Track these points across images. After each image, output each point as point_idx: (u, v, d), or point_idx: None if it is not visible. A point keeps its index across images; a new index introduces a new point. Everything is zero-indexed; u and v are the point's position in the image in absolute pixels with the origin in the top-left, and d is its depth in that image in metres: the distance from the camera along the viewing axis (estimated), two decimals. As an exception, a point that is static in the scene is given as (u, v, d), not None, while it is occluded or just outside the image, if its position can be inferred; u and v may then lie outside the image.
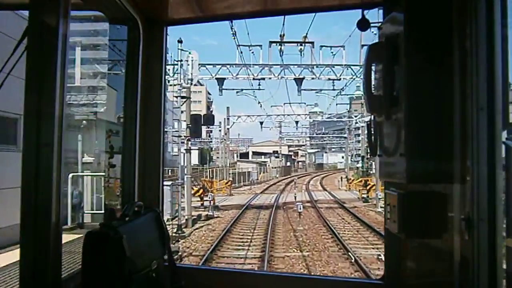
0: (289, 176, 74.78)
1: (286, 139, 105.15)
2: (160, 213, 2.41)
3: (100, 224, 2.00)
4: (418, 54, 2.05)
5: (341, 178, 52.56)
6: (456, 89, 1.91)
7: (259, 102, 39.05)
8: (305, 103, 52.38)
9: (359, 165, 52.40)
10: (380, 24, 2.44)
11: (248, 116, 51.69)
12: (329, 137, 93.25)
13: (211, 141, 77.95)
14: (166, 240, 2.37)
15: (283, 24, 24.87)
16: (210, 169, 52.43)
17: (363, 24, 2.59)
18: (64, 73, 2.03)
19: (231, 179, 46.16)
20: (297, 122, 53.30)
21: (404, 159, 2.04)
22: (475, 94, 1.73)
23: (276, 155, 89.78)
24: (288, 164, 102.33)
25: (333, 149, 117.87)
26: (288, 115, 50.60)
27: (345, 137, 65.13)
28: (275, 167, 79.25)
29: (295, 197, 28.80)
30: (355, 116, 49.75)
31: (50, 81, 1.99)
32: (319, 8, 2.89)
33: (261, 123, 51.64)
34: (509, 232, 1.74)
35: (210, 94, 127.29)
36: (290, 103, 51.47)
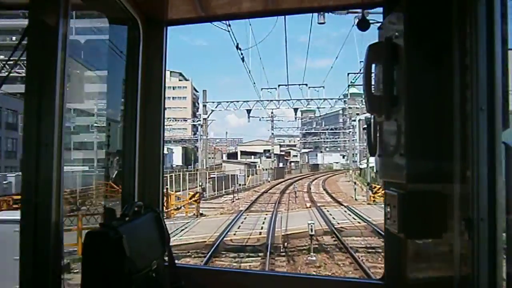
0: (282, 179, 62.92)
1: (277, 139, 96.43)
2: (160, 213, 2.41)
3: (100, 224, 2.00)
4: (418, 54, 2.05)
5: (355, 183, 39.84)
6: (456, 89, 1.91)
7: (238, 47, 24.19)
8: (306, 85, 38.86)
9: (365, 166, 45.98)
10: (380, 24, 2.44)
11: (231, 102, 39.91)
12: (325, 133, 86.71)
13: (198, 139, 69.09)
14: (166, 240, 2.37)
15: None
16: (184, 173, 39.50)
17: (363, 24, 2.59)
18: (64, 73, 2.03)
19: (199, 190, 32.03)
20: (296, 110, 40.90)
21: (404, 159, 2.04)
22: (475, 94, 1.73)
23: (267, 154, 77.46)
24: (281, 165, 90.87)
25: (327, 149, 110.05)
26: (284, 100, 38.48)
27: (361, 132, 55.95)
28: (266, 169, 66.21)
29: (311, 237, 15.03)
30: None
31: (50, 81, 1.99)
32: (319, 8, 2.90)
33: (249, 111, 39.63)
34: (509, 232, 1.75)
35: (197, 91, 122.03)
36: (287, 85, 37.63)
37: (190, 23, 3.12)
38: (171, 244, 2.40)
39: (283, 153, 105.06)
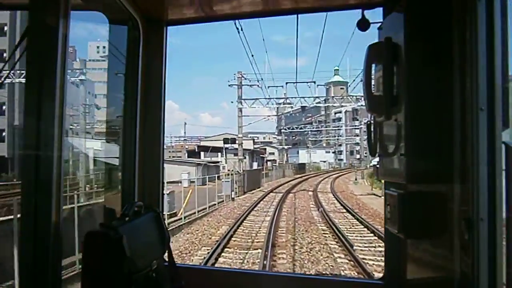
0: (259, 192, 36.30)
1: (251, 135, 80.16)
2: (160, 213, 2.41)
3: (100, 224, 2.00)
4: (418, 54, 2.05)
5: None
6: (456, 89, 1.91)
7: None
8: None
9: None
10: (380, 24, 2.44)
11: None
12: (311, 125, 73.58)
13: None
14: (166, 240, 2.37)
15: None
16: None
17: (363, 24, 2.59)
18: (64, 73, 2.03)
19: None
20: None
21: (404, 159, 2.04)
22: (475, 94, 1.73)
23: (232, 147, 49.69)
24: (256, 165, 63.62)
25: (310, 145, 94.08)
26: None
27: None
28: (231, 173, 36.17)
29: None
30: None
31: (50, 81, 1.99)
32: (319, 8, 2.90)
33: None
34: (509, 232, 1.75)
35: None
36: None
37: (190, 23, 3.12)
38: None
39: (257, 149, 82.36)
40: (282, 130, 76.09)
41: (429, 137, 2.03)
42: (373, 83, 2.35)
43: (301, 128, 74.93)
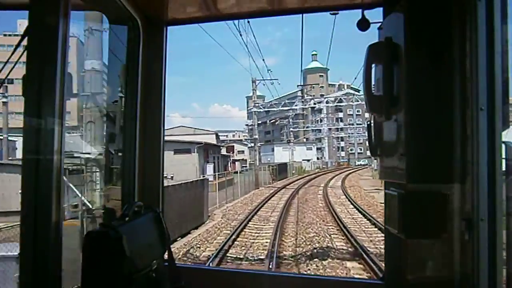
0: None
1: (221, 134, 64.58)
2: (160, 213, 2.41)
3: (100, 224, 2.00)
4: (418, 54, 2.05)
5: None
6: (456, 89, 1.91)
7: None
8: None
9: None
10: (380, 24, 2.44)
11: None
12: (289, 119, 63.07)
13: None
14: (166, 240, 2.37)
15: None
16: None
17: (363, 24, 2.59)
18: (64, 73, 2.03)
19: None
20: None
21: (404, 159, 2.04)
22: (475, 94, 1.73)
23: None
24: (209, 168, 44.72)
25: (291, 140, 74.98)
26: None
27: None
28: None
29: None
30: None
31: (50, 81, 1.99)
32: (319, 8, 2.90)
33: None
34: (509, 232, 1.75)
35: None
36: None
37: (190, 23, 3.12)
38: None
39: (219, 144, 62.70)
40: (254, 110, 53.39)
41: (429, 137, 2.03)
42: (373, 83, 2.35)
43: (282, 110, 62.07)
